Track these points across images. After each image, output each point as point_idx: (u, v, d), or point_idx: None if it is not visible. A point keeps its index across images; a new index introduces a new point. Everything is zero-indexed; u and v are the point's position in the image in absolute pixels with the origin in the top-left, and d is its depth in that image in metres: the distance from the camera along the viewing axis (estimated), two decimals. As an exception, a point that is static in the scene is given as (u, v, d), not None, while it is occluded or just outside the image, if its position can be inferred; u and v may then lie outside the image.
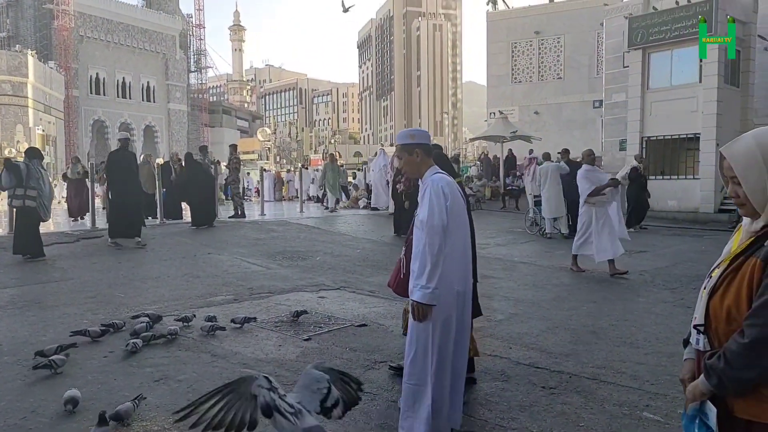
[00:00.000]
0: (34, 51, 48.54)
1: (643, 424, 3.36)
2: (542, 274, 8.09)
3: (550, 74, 29.15)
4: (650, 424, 3.35)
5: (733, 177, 1.54)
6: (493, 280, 7.36)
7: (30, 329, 5.10)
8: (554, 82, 28.89)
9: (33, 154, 8.90)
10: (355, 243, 10.96)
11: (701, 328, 1.56)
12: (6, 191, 8.76)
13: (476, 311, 3.67)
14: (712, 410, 1.50)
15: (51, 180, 10.09)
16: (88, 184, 13.66)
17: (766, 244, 1.46)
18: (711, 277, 1.57)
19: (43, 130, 44.96)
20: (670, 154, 16.62)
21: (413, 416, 2.83)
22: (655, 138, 16.39)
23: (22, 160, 9.05)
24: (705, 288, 1.57)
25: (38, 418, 3.36)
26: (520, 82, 29.65)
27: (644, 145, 16.39)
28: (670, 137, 16.18)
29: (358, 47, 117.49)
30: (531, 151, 20.37)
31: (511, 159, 20.53)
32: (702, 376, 1.52)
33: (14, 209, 8.96)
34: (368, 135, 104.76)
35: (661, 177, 16.25)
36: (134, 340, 4.53)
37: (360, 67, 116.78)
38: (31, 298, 6.21)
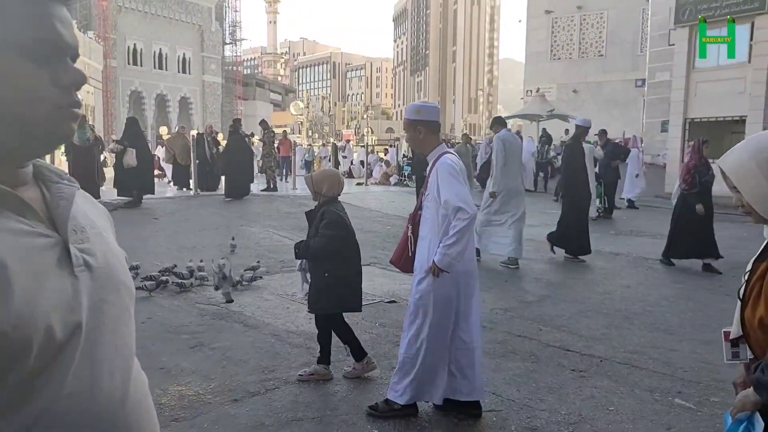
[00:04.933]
0: (75, 21, 49.14)
1: (675, 410, 3.31)
2: (575, 256, 7.97)
3: (592, 51, 28.34)
4: (682, 411, 3.30)
5: (733, 187, 1.55)
6: (524, 261, 7.30)
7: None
8: (595, 60, 28.10)
9: None
10: (386, 219, 10.96)
11: (741, 339, 1.57)
12: None
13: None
14: (759, 423, 1.50)
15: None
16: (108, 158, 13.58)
17: None
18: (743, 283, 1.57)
19: (83, 100, 45.80)
20: (715, 136, 16.07)
21: (402, 384, 3.05)
22: (699, 120, 15.84)
23: None
24: (739, 296, 1.57)
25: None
26: (559, 59, 28.94)
27: (687, 127, 15.87)
28: (714, 119, 15.62)
29: (393, 21, 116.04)
30: (567, 131, 19.96)
31: (545, 138, 20.14)
32: (752, 388, 1.52)
33: None
34: (401, 110, 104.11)
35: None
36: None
37: (395, 41, 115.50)
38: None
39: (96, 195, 10.63)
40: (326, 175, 3.65)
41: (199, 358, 3.87)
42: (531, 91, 27.34)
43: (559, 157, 18.44)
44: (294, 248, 3.56)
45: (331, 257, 3.42)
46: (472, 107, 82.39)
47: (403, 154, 22.04)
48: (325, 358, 3.58)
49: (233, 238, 7.50)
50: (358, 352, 3.60)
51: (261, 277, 5.88)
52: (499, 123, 7.52)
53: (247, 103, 70.43)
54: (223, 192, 12.71)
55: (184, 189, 14.21)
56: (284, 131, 22.88)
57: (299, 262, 3.81)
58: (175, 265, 5.92)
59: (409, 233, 3.13)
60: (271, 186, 14.23)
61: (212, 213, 10.79)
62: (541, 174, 17.49)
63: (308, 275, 3.74)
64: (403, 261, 3.17)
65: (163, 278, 5.43)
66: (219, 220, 10.04)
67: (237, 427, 2.95)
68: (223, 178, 13.23)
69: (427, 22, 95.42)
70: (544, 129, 20.25)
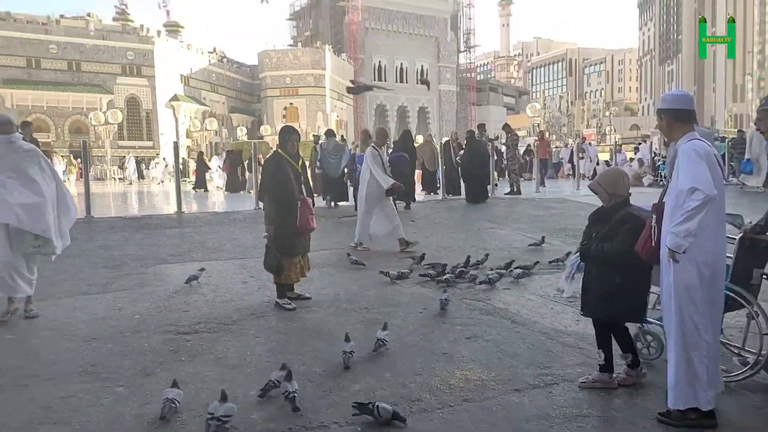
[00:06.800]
0: (331, 46, 55.71)
1: None
2: None
3: None
4: None
5: None
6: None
7: (357, 284, 6.12)
8: None
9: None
10: (642, 222, 10.24)
11: None
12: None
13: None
14: None
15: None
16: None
17: None
18: None
19: (337, 116, 51.90)
20: None
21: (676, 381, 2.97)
22: None
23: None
24: None
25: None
26: None
27: None
28: None
29: (638, 6, 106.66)
30: None
31: None
32: None
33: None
34: (647, 105, 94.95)
35: None
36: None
37: (640, 29, 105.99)
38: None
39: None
40: (617, 174, 3.59)
41: (475, 348, 4.18)
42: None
43: None
44: (580, 248, 3.58)
45: (626, 263, 3.30)
46: (738, 95, 71.24)
47: (654, 152, 20.17)
48: (608, 366, 3.47)
49: (543, 238, 8.10)
50: (635, 360, 3.51)
51: (529, 274, 6.25)
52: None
53: (480, 109, 71.79)
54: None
55: (431, 193, 15.17)
56: (541, 132, 22.73)
57: (575, 261, 3.82)
58: (446, 264, 6.43)
59: (653, 222, 3.09)
60: (515, 189, 14.35)
61: (460, 216, 11.34)
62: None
63: (577, 275, 3.75)
64: (646, 249, 3.13)
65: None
66: (467, 222, 10.52)
67: (524, 414, 3.15)
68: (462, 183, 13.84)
69: (679, 3, 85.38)
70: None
